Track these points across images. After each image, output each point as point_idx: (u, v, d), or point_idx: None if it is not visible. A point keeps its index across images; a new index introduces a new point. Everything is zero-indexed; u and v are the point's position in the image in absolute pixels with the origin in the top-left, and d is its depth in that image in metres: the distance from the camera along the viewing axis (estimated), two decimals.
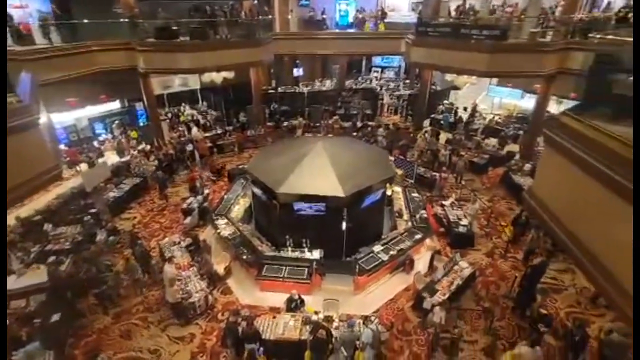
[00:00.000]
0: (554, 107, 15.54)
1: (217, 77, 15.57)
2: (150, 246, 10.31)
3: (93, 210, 11.16)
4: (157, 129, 16.45)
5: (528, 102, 18.24)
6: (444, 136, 17.49)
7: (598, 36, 8.72)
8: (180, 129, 18.11)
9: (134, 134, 17.17)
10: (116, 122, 17.67)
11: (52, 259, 8.96)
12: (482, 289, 8.97)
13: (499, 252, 10.31)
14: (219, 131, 18.34)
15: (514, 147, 16.33)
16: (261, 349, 6.69)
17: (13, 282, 8.30)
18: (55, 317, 7.49)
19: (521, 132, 17.19)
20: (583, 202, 4.44)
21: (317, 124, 19.38)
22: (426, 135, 17.26)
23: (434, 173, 13.81)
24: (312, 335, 6.81)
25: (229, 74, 15.76)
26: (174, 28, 13.69)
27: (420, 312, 8.10)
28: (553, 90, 14.27)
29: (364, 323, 6.95)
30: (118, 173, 13.74)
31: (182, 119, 19.03)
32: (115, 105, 17.96)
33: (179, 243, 9.82)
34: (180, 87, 19.76)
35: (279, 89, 21.26)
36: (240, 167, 14.43)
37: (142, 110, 17.68)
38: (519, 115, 19.37)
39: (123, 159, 15.16)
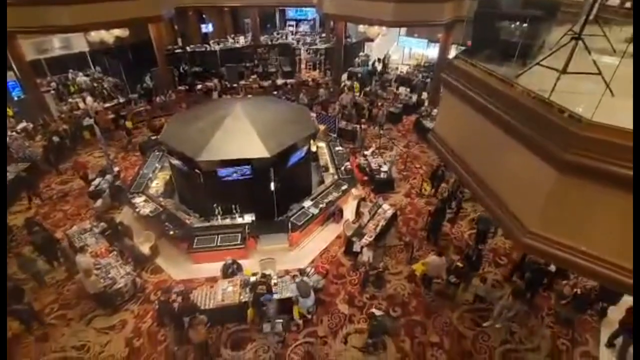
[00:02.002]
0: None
1: (108, 36, 13.35)
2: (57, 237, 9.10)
3: None
4: (40, 103, 13.84)
5: (434, 52, 19.50)
6: (357, 87, 17.93)
7: None
8: (70, 100, 15.48)
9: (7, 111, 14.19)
10: None
11: None
12: (403, 226, 10.00)
13: (415, 191, 11.45)
14: (122, 100, 16.18)
15: (423, 95, 17.62)
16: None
17: None
18: None
19: (429, 80, 18.51)
20: (475, 137, 5.04)
21: (234, 85, 18.28)
22: (346, 89, 17.54)
23: (355, 125, 14.31)
24: (253, 292, 6.96)
25: (123, 32, 13.59)
26: None
27: (351, 255, 8.78)
28: (453, 38, 15.41)
29: (296, 278, 7.34)
30: None
31: (72, 89, 16.23)
32: None
33: (91, 229, 8.83)
34: (62, 50, 16.56)
35: (187, 48, 19.22)
36: (153, 138, 13.11)
37: (13, 82, 14.55)
38: (426, 64, 20.72)
39: None
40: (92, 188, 10.53)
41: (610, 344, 6.73)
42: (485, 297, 7.62)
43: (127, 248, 8.28)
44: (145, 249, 8.58)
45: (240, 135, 8.94)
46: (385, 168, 11.64)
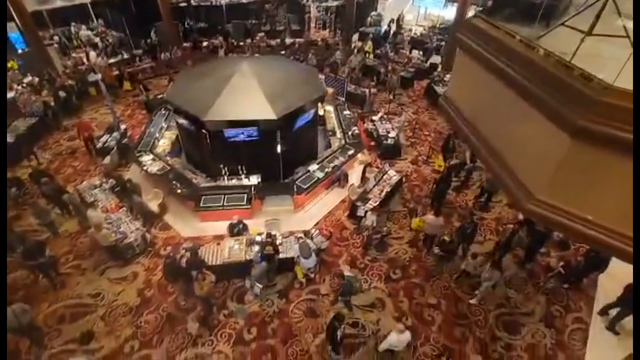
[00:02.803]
0: None
1: None
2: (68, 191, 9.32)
3: None
4: (43, 56, 13.57)
5: (451, 12, 18.42)
6: (371, 48, 17.21)
7: None
8: (74, 55, 15.16)
9: (11, 64, 13.97)
10: None
11: None
12: (407, 193, 10.04)
13: (422, 159, 11.35)
14: (126, 56, 15.79)
15: (437, 59, 16.90)
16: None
17: None
18: None
19: (443, 43, 17.67)
20: (488, 101, 4.89)
21: (242, 43, 17.65)
22: (355, 50, 16.85)
23: (364, 89, 13.92)
24: (261, 252, 7.20)
25: None
26: None
27: (355, 219, 8.92)
28: None
29: (300, 239, 7.54)
30: None
31: (75, 43, 15.83)
32: None
33: (101, 185, 9.02)
34: (64, 1, 15.94)
35: (192, 2, 18.37)
36: (160, 96, 12.95)
37: (16, 34, 14.18)
38: (442, 26, 19.66)
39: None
40: (99, 145, 10.61)
41: (603, 313, 6.94)
42: (473, 273, 7.46)
43: (136, 205, 8.48)
44: (153, 206, 8.78)
45: (247, 95, 8.77)
46: (393, 134, 11.47)
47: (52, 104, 12.24)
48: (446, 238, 7.64)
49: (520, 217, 8.05)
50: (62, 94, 12.48)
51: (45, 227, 8.26)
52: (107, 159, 10.24)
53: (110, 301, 7.08)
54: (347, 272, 7.12)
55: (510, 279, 7.64)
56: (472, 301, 7.23)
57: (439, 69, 15.97)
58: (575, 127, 3.28)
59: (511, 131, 4.46)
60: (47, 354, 6.18)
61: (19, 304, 6.03)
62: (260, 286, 7.10)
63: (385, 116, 12.57)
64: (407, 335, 5.88)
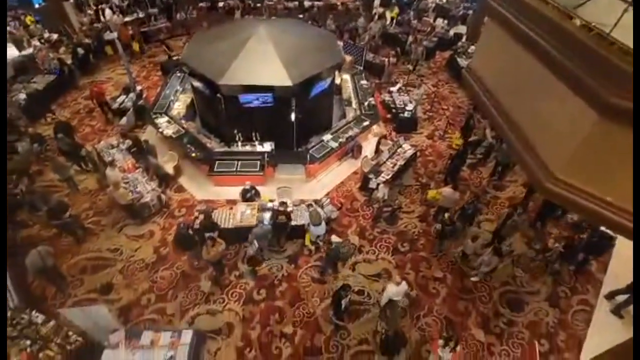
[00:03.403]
0: None
1: None
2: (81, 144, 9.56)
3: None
4: (60, 12, 13.42)
5: None
6: (396, 14, 16.38)
7: None
8: (90, 12, 14.94)
9: (29, 19, 13.90)
10: None
11: None
12: (421, 167, 9.92)
13: (438, 134, 11.09)
14: (141, 14, 15.47)
15: (462, 29, 16.03)
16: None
17: None
18: None
19: (470, 12, 16.66)
20: (514, 74, 4.66)
21: (258, 4, 17.02)
22: (376, 17, 16.07)
23: (383, 59, 13.42)
24: (273, 220, 7.34)
25: None
26: None
27: (367, 191, 8.93)
28: None
29: (310, 207, 7.61)
30: (22, 70, 11.58)
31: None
32: None
33: (118, 146, 9.18)
34: None
35: None
36: (175, 58, 12.80)
37: None
38: None
39: (24, 52, 12.57)
40: (116, 106, 10.68)
41: (610, 297, 6.94)
42: (472, 256, 7.44)
43: (152, 166, 8.64)
44: (169, 168, 8.94)
45: (263, 60, 8.58)
46: (410, 107, 11.17)
47: (69, 61, 12.25)
48: (446, 217, 7.53)
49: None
50: (80, 50, 12.45)
51: (65, 183, 8.57)
52: (123, 120, 10.35)
53: (128, 256, 7.43)
54: (335, 239, 7.14)
55: (518, 259, 7.65)
56: (472, 278, 7.30)
57: (464, 39, 15.17)
58: (605, 104, 3.12)
59: (535, 106, 4.28)
60: (71, 300, 6.62)
61: (44, 247, 6.44)
62: (257, 246, 7.14)
63: (403, 88, 12.20)
64: (404, 286, 6.24)
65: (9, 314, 5.65)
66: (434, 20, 16.65)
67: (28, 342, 5.37)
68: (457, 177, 9.28)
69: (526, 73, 4.44)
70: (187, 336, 5.74)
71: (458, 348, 5.54)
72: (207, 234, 6.84)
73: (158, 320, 6.45)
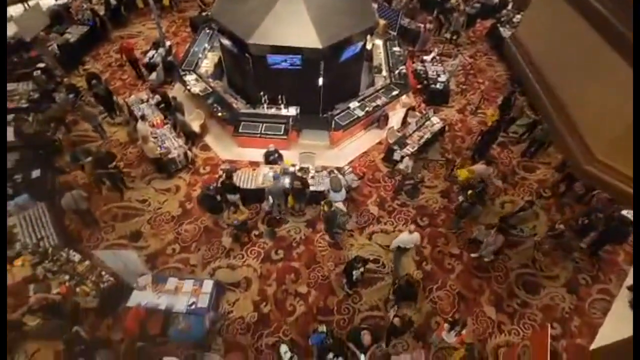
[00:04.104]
0: None
1: None
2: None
3: (42, 65, 9.98)
4: None
5: None
6: None
7: None
8: None
9: None
10: None
11: (11, 117, 8.45)
12: (448, 143, 9.60)
13: (470, 108, 10.59)
14: None
15: None
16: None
17: None
18: (36, 174, 7.61)
19: None
20: (565, 45, 4.27)
21: None
22: None
23: (419, 25, 12.64)
24: (290, 185, 7.43)
25: None
26: None
27: (390, 163, 8.79)
28: None
29: (331, 173, 7.62)
30: (58, 19, 11.71)
31: None
32: None
33: (147, 101, 9.34)
34: None
35: None
36: (205, 14, 12.54)
37: None
38: None
39: (60, 2, 12.65)
40: (146, 60, 10.74)
41: (633, 289, 6.73)
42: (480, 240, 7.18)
43: (179, 122, 8.79)
44: (195, 126, 9.07)
45: (293, 20, 8.27)
46: (443, 78, 10.64)
47: (102, 13, 12.26)
48: (469, 194, 7.32)
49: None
50: (112, 1, 12.42)
51: (96, 132, 8.97)
52: (153, 75, 10.44)
53: (155, 208, 7.79)
54: (339, 205, 7.14)
55: (540, 242, 7.48)
56: (486, 259, 7.18)
57: (510, 7, 13.96)
58: None
59: (584, 82, 3.96)
60: (103, 244, 7.10)
61: (77, 190, 6.90)
62: (271, 201, 7.30)
63: (437, 57, 11.55)
64: (416, 236, 6.50)
65: (49, 251, 6.15)
66: None
67: (67, 277, 5.87)
68: (487, 155, 8.92)
69: (578, 44, 4.06)
70: (208, 286, 6.11)
71: (464, 331, 5.52)
72: (230, 197, 7.02)
73: (182, 269, 6.86)
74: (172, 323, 5.67)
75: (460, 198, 7.55)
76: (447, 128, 9.67)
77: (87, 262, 6.17)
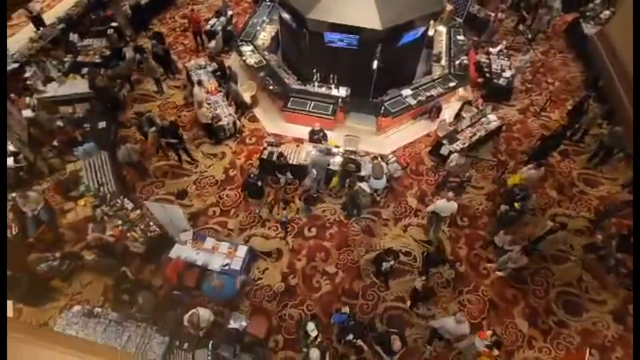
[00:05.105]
0: None
1: None
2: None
3: (115, 24, 10.65)
4: None
5: None
6: None
7: None
8: None
9: None
10: None
11: (85, 70, 9.17)
12: (503, 143, 9.02)
13: (533, 109, 9.80)
14: None
15: None
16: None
17: (56, 89, 8.85)
18: (102, 124, 8.28)
19: None
20: None
21: None
22: None
23: (490, 13, 11.71)
24: (342, 167, 7.43)
25: None
26: None
27: (436, 157, 8.47)
28: None
29: (375, 159, 7.52)
30: None
31: None
32: None
33: (205, 67, 9.67)
34: None
35: None
36: None
37: None
38: None
39: None
40: (207, 27, 11.04)
41: None
42: (501, 248, 6.88)
43: (232, 91, 9.03)
44: (246, 97, 9.28)
45: None
46: (508, 74, 9.88)
47: None
48: (516, 205, 6.87)
49: None
50: None
51: (154, 86, 9.67)
52: (212, 43, 10.74)
53: (202, 171, 8.20)
54: (364, 186, 7.08)
55: (588, 262, 6.92)
56: (499, 273, 6.75)
57: (597, 0, 12.46)
58: None
59: None
60: (153, 197, 7.64)
61: (131, 144, 7.52)
62: (315, 174, 7.29)
63: (505, 50, 10.69)
64: (454, 205, 6.59)
65: (107, 197, 6.75)
66: None
67: (120, 222, 6.43)
68: (544, 161, 8.23)
69: None
70: (242, 251, 6.40)
71: (496, 352, 5.23)
72: (282, 177, 7.20)
73: (219, 231, 7.23)
74: (207, 279, 6.04)
75: (503, 207, 7.11)
76: (504, 127, 9.05)
77: (138, 211, 6.71)
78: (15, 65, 9.26)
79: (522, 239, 6.91)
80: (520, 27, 11.93)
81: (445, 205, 6.58)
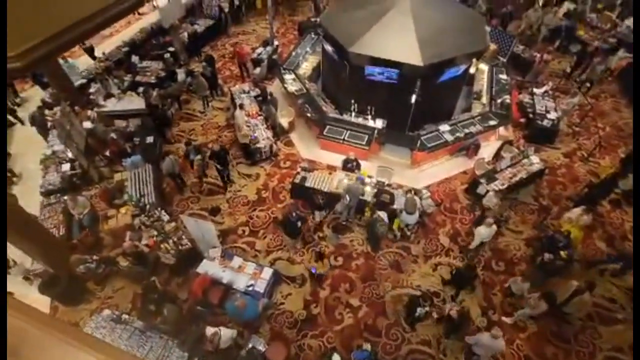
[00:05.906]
0: None
1: None
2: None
3: (172, 49, 11.62)
4: None
5: None
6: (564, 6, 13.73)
7: None
8: None
9: None
10: None
11: (141, 89, 9.97)
12: (545, 187, 8.57)
13: (581, 154, 9.31)
14: None
15: None
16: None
17: (115, 104, 9.66)
18: (150, 139, 8.86)
19: None
20: None
21: None
22: (539, 3, 13.70)
23: (535, 54, 11.55)
24: (376, 198, 7.41)
25: None
26: None
27: (472, 195, 8.19)
28: None
29: (408, 193, 7.42)
30: (192, 12, 13.51)
31: None
32: None
33: (248, 92, 10.20)
34: None
35: None
36: (313, 19, 13.27)
37: None
38: None
39: None
40: (254, 55, 11.74)
41: None
42: (518, 295, 6.45)
43: (271, 116, 9.42)
44: (284, 122, 9.62)
45: (398, 33, 8.27)
46: (553, 115, 9.54)
47: (227, 9, 13.79)
48: (563, 254, 6.40)
49: None
50: (236, 1, 13.91)
51: (201, 106, 10.37)
52: (257, 70, 11.36)
53: (236, 190, 8.45)
54: (382, 214, 6.97)
55: None
56: (506, 319, 6.33)
57: None
58: None
59: None
60: (188, 211, 7.93)
61: (174, 156, 8.02)
62: (348, 200, 7.24)
63: (550, 92, 10.40)
64: (494, 228, 6.67)
65: (147, 207, 7.10)
66: (618, 17, 13.39)
67: (155, 233, 6.70)
68: (592, 210, 7.72)
69: None
70: (268, 273, 6.41)
71: None
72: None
73: (247, 251, 7.30)
74: (230, 298, 6.06)
75: (547, 255, 6.61)
76: (547, 171, 8.65)
77: (173, 224, 6.97)
78: (84, 80, 10.30)
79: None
80: (578, 80, 11.51)
81: (487, 232, 6.67)
